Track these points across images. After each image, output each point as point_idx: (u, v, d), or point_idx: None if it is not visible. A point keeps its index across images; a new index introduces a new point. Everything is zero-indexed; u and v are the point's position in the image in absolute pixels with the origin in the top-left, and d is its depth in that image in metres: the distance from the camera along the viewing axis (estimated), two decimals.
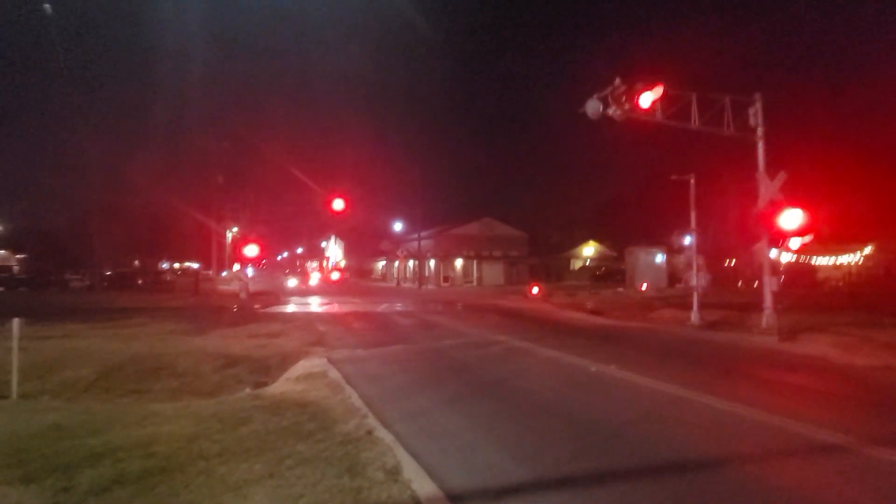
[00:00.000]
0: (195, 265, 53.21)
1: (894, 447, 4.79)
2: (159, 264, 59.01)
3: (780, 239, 11.67)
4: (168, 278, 45.61)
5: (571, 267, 50.16)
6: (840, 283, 32.66)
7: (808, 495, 3.96)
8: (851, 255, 34.27)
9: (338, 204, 18.00)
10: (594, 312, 18.80)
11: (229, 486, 3.89)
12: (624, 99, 11.01)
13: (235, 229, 36.01)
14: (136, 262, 54.05)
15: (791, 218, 11.07)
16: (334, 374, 8.20)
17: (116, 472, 4.11)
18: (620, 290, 31.38)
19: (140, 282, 39.08)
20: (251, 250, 19.54)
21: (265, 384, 8.25)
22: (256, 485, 3.91)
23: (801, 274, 32.10)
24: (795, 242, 12.11)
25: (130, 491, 3.80)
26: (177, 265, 63.72)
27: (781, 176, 11.85)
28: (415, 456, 4.64)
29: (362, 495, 3.78)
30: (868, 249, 33.64)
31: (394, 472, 4.19)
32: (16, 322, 7.14)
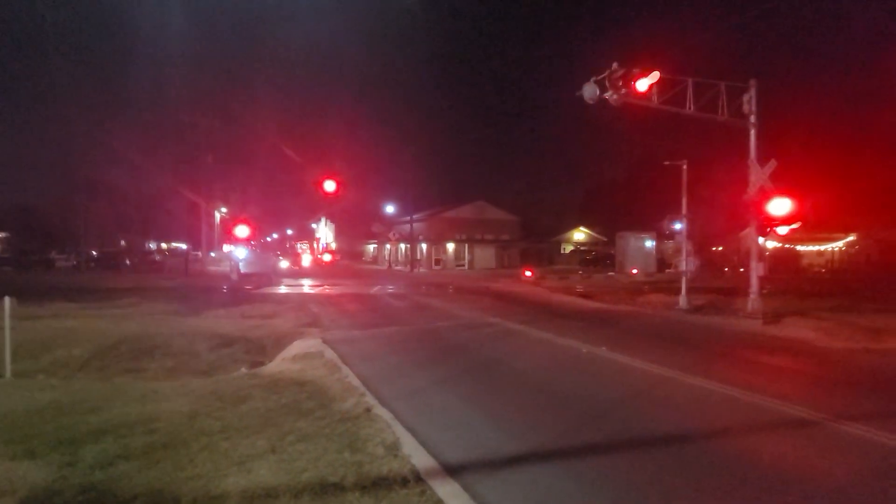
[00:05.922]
0: (183, 245, 52.59)
1: (863, 423, 5.06)
2: (146, 244, 58.25)
3: (768, 225, 11.90)
4: (157, 258, 45.08)
5: (562, 251, 50.58)
6: (822, 270, 33.50)
7: (786, 466, 4.19)
8: (835, 242, 35.07)
9: (329, 185, 17.82)
10: (585, 296, 19.06)
11: (233, 460, 3.98)
12: (621, 83, 10.97)
13: (225, 209, 35.55)
14: (123, 242, 53.26)
15: (780, 205, 11.30)
16: (330, 353, 8.29)
17: (120, 448, 4.17)
18: (611, 274, 31.78)
19: (128, 262, 38.54)
20: (242, 230, 19.33)
21: (262, 364, 8.32)
22: (260, 459, 4.01)
23: (785, 260, 32.78)
24: (783, 229, 12.36)
25: (135, 465, 3.87)
26: (164, 245, 62.93)
27: (772, 164, 11.99)
28: (412, 432, 4.77)
29: (364, 469, 3.89)
30: (851, 238, 34.41)
31: (393, 448, 4.31)
32: (7, 300, 7.07)
